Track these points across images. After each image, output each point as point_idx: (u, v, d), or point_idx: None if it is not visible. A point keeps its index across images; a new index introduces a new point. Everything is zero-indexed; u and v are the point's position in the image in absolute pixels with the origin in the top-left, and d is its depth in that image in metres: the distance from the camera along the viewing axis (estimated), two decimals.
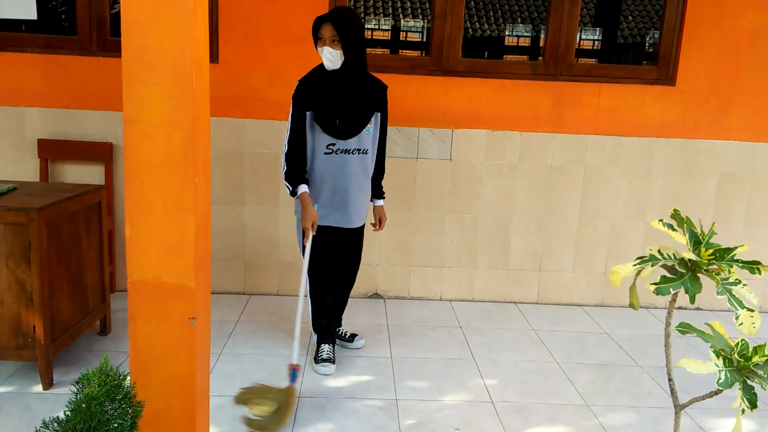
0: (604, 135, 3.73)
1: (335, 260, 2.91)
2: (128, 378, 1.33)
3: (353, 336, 3.16)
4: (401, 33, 12.37)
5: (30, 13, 3.46)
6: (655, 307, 3.93)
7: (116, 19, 3.70)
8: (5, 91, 3.49)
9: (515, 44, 12.03)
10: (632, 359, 3.18)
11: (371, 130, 2.74)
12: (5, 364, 2.73)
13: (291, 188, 2.69)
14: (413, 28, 12.23)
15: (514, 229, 3.81)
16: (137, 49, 1.52)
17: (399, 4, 12.59)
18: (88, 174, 3.58)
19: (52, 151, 3.49)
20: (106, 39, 3.49)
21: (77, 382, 1.24)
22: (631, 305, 1.25)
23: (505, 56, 11.76)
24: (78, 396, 1.21)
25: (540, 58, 3.78)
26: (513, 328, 3.51)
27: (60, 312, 2.60)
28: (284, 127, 3.58)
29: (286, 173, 2.69)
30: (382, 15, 12.14)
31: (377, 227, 2.98)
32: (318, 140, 2.67)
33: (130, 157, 1.57)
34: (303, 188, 2.66)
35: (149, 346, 1.67)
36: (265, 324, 3.39)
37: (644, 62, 12.20)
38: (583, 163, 3.76)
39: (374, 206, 2.96)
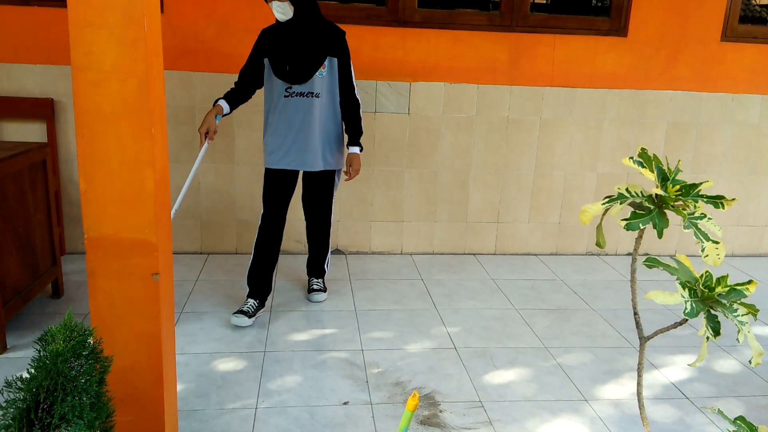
0: (558, 87, 3.77)
1: (284, 207, 2.93)
2: (93, 333, 1.29)
3: (313, 290, 3.18)
4: None
5: None
6: (606, 254, 4.08)
7: None
8: None
9: None
10: (586, 303, 3.32)
11: (325, 74, 2.77)
12: None
13: (218, 98, 2.82)
14: None
15: (472, 182, 3.85)
16: None
17: None
18: (29, 132, 3.39)
19: None
20: None
21: (40, 339, 1.20)
22: (598, 244, 1.29)
23: (456, 9, 11.62)
24: (42, 353, 1.17)
25: (494, 9, 3.76)
26: (473, 278, 3.59)
27: (9, 275, 2.49)
28: (233, 79, 3.49)
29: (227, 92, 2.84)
30: None
31: (348, 176, 2.96)
32: (276, 85, 2.76)
33: (80, 107, 1.48)
34: (222, 102, 2.79)
35: (111, 303, 1.62)
36: (225, 282, 3.36)
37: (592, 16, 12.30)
38: (539, 115, 3.80)
39: (348, 153, 2.95)
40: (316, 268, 3.21)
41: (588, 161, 3.92)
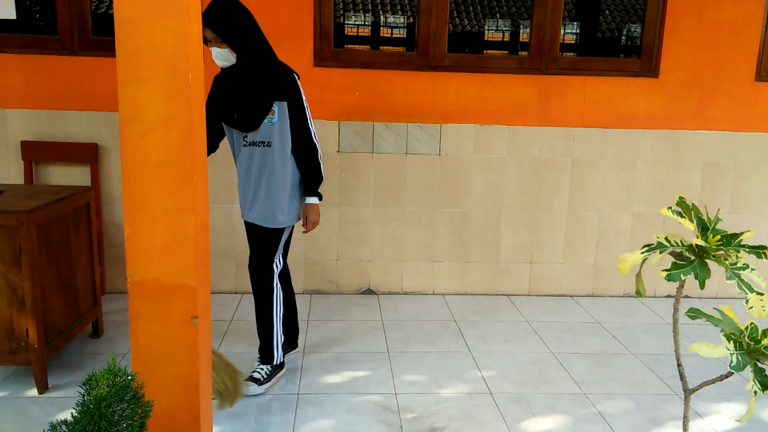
0: (590, 127, 3.77)
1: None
2: (135, 378, 1.31)
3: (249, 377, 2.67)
4: (382, 29, 12.35)
5: (8, 12, 3.38)
6: (645, 296, 3.98)
7: (98, 18, 3.66)
8: None
9: (495, 39, 12.09)
10: (625, 347, 3.23)
11: (275, 120, 2.51)
12: (1, 368, 2.69)
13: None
14: (395, 24, 12.22)
15: (504, 222, 3.84)
16: (131, 47, 1.50)
17: (378, 0, 12.58)
18: (74, 175, 3.53)
19: (36, 152, 3.43)
20: (88, 38, 3.43)
21: (84, 383, 1.22)
22: (638, 292, 1.27)
23: (485, 51, 11.82)
24: (86, 397, 1.20)
25: (520, 52, 3.81)
26: (507, 320, 3.54)
27: (52, 315, 2.56)
28: None
29: None
30: (362, 11, 12.11)
31: (305, 228, 2.68)
32: (234, 133, 2.60)
33: (127, 157, 1.55)
34: None
35: (151, 346, 1.65)
36: None
37: (621, 55, 12.35)
38: (571, 155, 3.79)
39: (305, 204, 2.67)
40: (261, 347, 2.74)
41: (622, 201, 3.87)
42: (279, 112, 2.52)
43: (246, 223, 2.70)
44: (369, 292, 3.87)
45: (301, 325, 3.35)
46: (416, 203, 3.78)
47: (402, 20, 12.16)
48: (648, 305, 3.86)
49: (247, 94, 2.49)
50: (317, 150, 2.63)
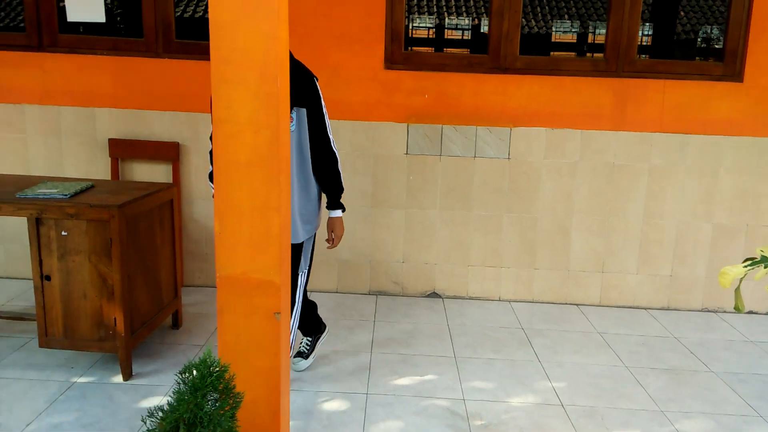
0: (669, 133, 3.62)
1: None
2: (228, 370, 1.36)
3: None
4: (446, 31, 12.31)
5: (98, 16, 3.59)
6: (724, 311, 3.79)
7: (181, 21, 3.82)
8: (77, 92, 3.63)
9: (563, 41, 11.81)
10: (704, 364, 3.08)
11: (293, 128, 2.34)
12: (85, 355, 2.84)
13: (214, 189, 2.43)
14: (459, 26, 12.15)
15: (574, 228, 3.74)
16: (225, 51, 1.56)
17: (443, 2, 12.54)
18: (155, 172, 3.70)
19: (122, 150, 3.62)
20: (171, 41, 3.58)
21: (181, 373, 1.28)
22: (736, 308, 1.21)
23: (551, 53, 11.58)
24: (182, 386, 1.25)
25: (589, 54, 3.71)
26: (576, 330, 3.44)
27: (138, 306, 2.69)
28: (342, 125, 3.65)
29: (211, 172, 2.26)
30: (426, 13, 12.10)
31: (330, 243, 2.62)
32: None
33: (219, 156, 1.61)
34: None
35: (236, 339, 1.70)
36: (328, 320, 3.41)
37: (697, 58, 11.81)
38: (647, 161, 3.66)
39: (329, 217, 2.58)
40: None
41: (702, 211, 3.70)
42: (297, 119, 2.36)
43: None
44: (434, 295, 3.86)
45: (367, 324, 3.39)
46: (483, 207, 3.74)
47: (467, 22, 12.08)
48: (728, 321, 3.67)
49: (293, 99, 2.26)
50: (337, 158, 2.50)
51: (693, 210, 3.70)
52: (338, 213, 2.53)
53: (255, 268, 1.66)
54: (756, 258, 1.16)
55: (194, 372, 1.24)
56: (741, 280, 1.20)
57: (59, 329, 2.64)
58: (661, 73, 3.60)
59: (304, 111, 2.36)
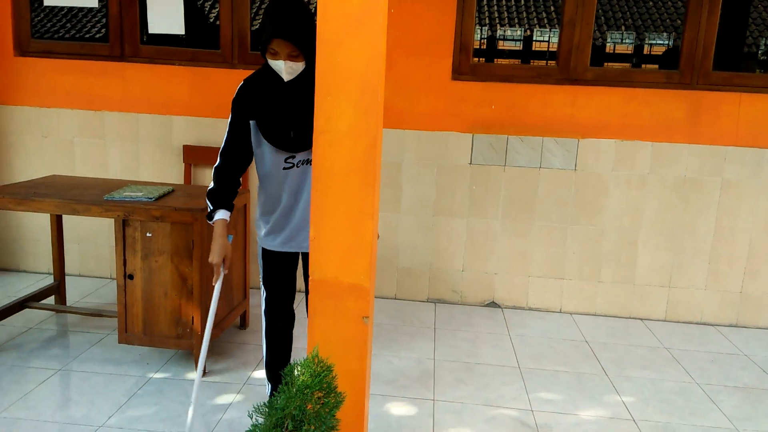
0: (744, 147, 3.53)
1: (291, 289, 2.39)
2: (333, 369, 1.41)
3: None
4: (498, 42, 12.27)
5: (178, 28, 3.75)
6: None
7: (255, 34, 3.94)
8: (155, 101, 3.80)
9: (619, 52, 11.61)
10: None
11: None
12: (160, 351, 2.96)
13: (211, 208, 2.25)
14: (511, 37, 12.10)
15: (642, 242, 3.68)
16: (330, 64, 1.62)
17: (496, 14, 12.51)
18: None
19: (195, 156, 3.76)
20: (246, 53, 3.71)
21: (288, 371, 1.33)
22: None
23: (605, 64, 11.38)
24: (290, 385, 1.30)
25: (644, 65, 3.64)
26: (643, 344, 3.38)
27: None
28: (407, 135, 3.70)
29: (211, 190, 2.25)
30: (478, 25, 12.09)
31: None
32: (270, 155, 2.17)
33: (317, 164, 1.67)
34: (223, 214, 2.23)
35: (325, 341, 1.75)
36: (388, 326, 3.47)
37: (757, 70, 11.39)
38: (720, 175, 3.57)
39: None
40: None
41: None
42: None
43: (277, 253, 2.29)
44: (493, 305, 3.86)
45: (427, 332, 3.41)
46: (547, 218, 3.72)
47: (519, 33, 12.02)
48: None
49: (307, 107, 2.00)
50: None
51: (766, 226, 3.59)
52: None
53: (347, 273, 1.71)
54: None
55: (299, 370, 1.29)
56: None
57: (139, 326, 2.76)
58: (737, 86, 3.51)
59: None
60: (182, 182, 3.79)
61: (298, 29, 2.00)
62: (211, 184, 2.26)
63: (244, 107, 2.16)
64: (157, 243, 2.66)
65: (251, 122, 2.16)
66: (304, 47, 2.02)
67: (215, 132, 3.78)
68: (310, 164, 2.13)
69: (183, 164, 3.79)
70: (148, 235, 2.66)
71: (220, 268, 2.23)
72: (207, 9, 9.11)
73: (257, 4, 7.50)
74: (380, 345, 3.21)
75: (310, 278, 1.73)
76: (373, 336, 3.29)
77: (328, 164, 1.67)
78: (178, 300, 2.68)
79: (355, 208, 1.68)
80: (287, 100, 2.12)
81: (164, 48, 3.80)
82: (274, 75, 2.12)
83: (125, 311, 2.76)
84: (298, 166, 2.18)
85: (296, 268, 2.38)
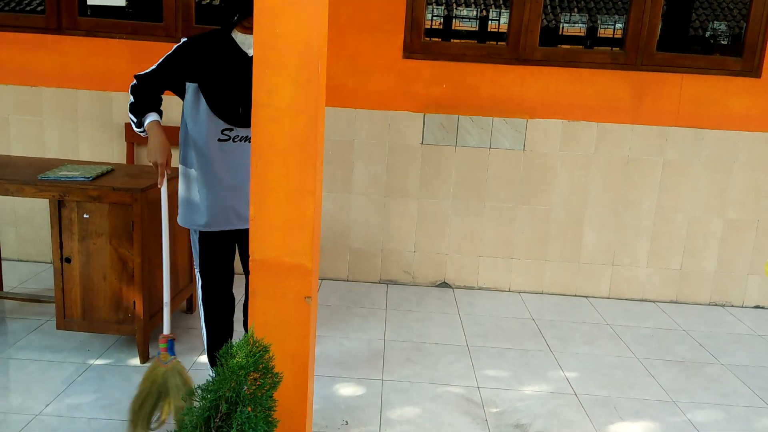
0: (685, 127, 3.64)
1: (230, 269, 2.36)
2: (269, 349, 1.38)
3: None
4: (453, 22, 12.26)
5: None
6: (732, 305, 3.83)
7: (200, 7, 3.80)
8: (94, 76, 3.63)
9: (571, 34, 11.78)
10: (713, 357, 3.11)
11: None
12: (102, 337, 2.86)
13: (136, 119, 2.18)
14: (467, 16, 12.11)
15: (587, 221, 3.76)
16: (269, 36, 1.56)
17: None
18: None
19: (138, 134, 3.61)
20: (191, 26, 3.58)
21: (223, 353, 1.30)
22: None
23: (559, 46, 11.54)
24: (224, 366, 1.27)
25: (596, 47, 3.71)
26: (587, 321, 3.47)
27: (156, 289, 2.70)
28: (358, 114, 3.65)
29: (132, 104, 2.17)
30: (434, 4, 12.04)
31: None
32: (209, 122, 2.13)
33: (257, 140, 1.62)
34: (153, 116, 2.17)
35: (266, 322, 1.72)
36: (340, 308, 3.46)
37: (704, 52, 11.76)
38: (662, 155, 3.67)
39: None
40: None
41: (715, 206, 3.72)
42: None
43: (236, 233, 2.28)
44: (444, 285, 3.89)
45: (379, 313, 3.42)
46: (497, 198, 3.76)
47: (474, 13, 12.04)
48: (736, 315, 3.70)
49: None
50: None
51: (705, 205, 3.72)
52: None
53: (288, 252, 1.68)
54: None
55: (235, 350, 1.26)
56: None
57: (78, 311, 2.66)
58: (680, 67, 3.60)
59: None
60: (124, 162, 3.65)
61: None
62: (131, 99, 2.19)
63: (188, 63, 2.13)
64: (94, 224, 2.55)
65: (191, 83, 2.13)
66: None
67: None
68: (246, 141, 2.18)
69: (125, 143, 3.65)
70: (85, 216, 2.55)
71: (164, 169, 2.17)
72: None
73: None
74: (332, 327, 3.20)
75: (250, 258, 1.69)
76: (325, 318, 3.28)
77: (267, 139, 1.62)
78: (118, 284, 2.59)
79: (295, 186, 1.64)
80: (244, 74, 2.00)
81: (104, 20, 3.63)
82: (232, 47, 2.12)
83: (63, 296, 2.65)
84: (234, 141, 2.17)
85: (234, 250, 2.36)
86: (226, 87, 2.13)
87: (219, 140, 2.16)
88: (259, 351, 1.28)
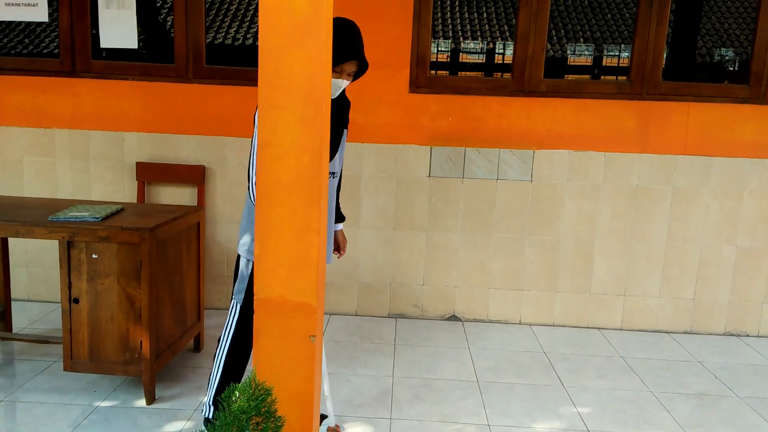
0: (693, 155, 3.62)
1: None
2: (271, 393, 1.36)
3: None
4: (461, 55, 12.43)
5: (131, 42, 3.67)
6: (747, 335, 3.75)
7: (211, 48, 3.90)
8: (107, 117, 3.70)
9: (578, 64, 11.90)
10: (730, 389, 3.04)
11: (341, 147, 2.33)
12: (110, 378, 2.85)
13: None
14: (474, 49, 12.28)
15: (597, 251, 3.73)
16: (272, 77, 1.59)
17: (459, 27, 12.68)
18: (180, 195, 3.74)
19: (149, 173, 3.67)
20: (201, 67, 3.65)
21: (226, 396, 1.28)
22: None
23: (566, 76, 11.65)
24: (226, 410, 1.25)
25: (603, 76, 3.73)
26: (599, 354, 3.41)
27: (163, 329, 2.70)
28: (366, 148, 3.68)
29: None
30: (442, 38, 12.24)
31: (341, 254, 2.59)
32: None
33: (262, 179, 1.63)
34: None
35: (271, 362, 1.70)
36: (348, 343, 3.42)
37: (712, 79, 11.80)
38: (671, 184, 3.65)
39: (336, 231, 2.54)
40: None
41: (726, 234, 3.67)
42: (343, 139, 2.34)
43: None
44: (454, 318, 3.85)
45: (387, 348, 3.38)
46: (505, 230, 3.74)
47: (481, 46, 12.21)
48: (752, 345, 3.62)
49: (335, 122, 2.09)
50: None
51: (716, 233, 3.68)
52: (342, 225, 2.56)
53: (293, 291, 1.67)
54: None
55: (237, 394, 1.25)
56: None
57: (85, 352, 2.65)
58: (686, 96, 3.61)
59: (345, 132, 2.36)
60: (135, 201, 3.69)
61: (363, 53, 2.19)
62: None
63: None
64: (103, 264, 2.57)
65: None
66: (361, 72, 2.23)
67: (169, 148, 3.70)
68: (332, 178, 2.26)
69: (136, 182, 3.70)
70: (93, 256, 2.57)
71: None
72: (163, 22, 8.98)
73: (211, 17, 7.39)
74: (339, 363, 3.16)
75: (255, 297, 1.69)
76: (332, 354, 3.25)
77: (273, 178, 1.63)
78: (125, 324, 2.59)
79: (300, 224, 1.65)
80: (333, 115, 2.13)
81: (116, 63, 3.72)
82: None
83: (70, 337, 2.65)
84: None
85: None
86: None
87: None
88: (262, 394, 1.26)
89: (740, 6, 12.61)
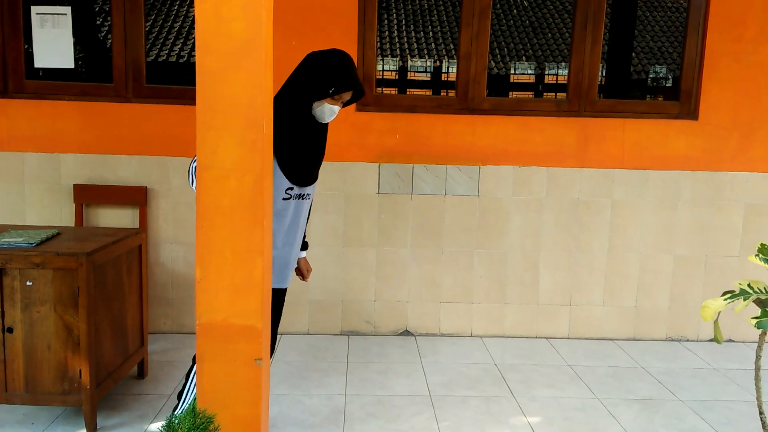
0: (629, 169, 3.78)
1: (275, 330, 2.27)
2: (214, 421, 1.33)
3: None
4: (409, 73, 12.61)
5: (67, 61, 3.56)
6: (687, 340, 3.90)
7: (151, 66, 3.82)
8: (42, 138, 3.56)
9: (521, 81, 12.26)
10: (672, 393, 3.15)
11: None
12: (48, 409, 2.72)
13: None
14: (421, 68, 12.48)
15: (542, 263, 3.82)
16: (211, 99, 1.57)
17: (407, 46, 12.87)
18: (121, 217, 3.63)
19: (87, 195, 3.54)
20: (142, 86, 3.57)
21: (167, 425, 1.24)
22: (716, 339, 1.27)
23: (510, 93, 11.99)
24: None
25: (545, 93, 3.86)
26: (548, 363, 3.48)
27: (104, 356, 2.60)
28: (347, 167, 3.65)
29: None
30: (390, 56, 12.39)
31: (307, 278, 2.62)
32: (279, 187, 2.15)
33: (202, 202, 1.61)
34: None
35: (215, 387, 1.67)
36: (299, 363, 3.38)
37: (647, 96, 12.37)
38: (610, 196, 3.79)
39: (299, 258, 2.55)
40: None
41: (664, 243, 3.83)
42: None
43: (279, 292, 2.30)
44: (406, 333, 3.86)
45: (340, 366, 3.35)
46: (454, 244, 3.79)
47: (429, 64, 12.43)
48: (692, 350, 3.77)
49: (321, 148, 2.33)
50: None
51: (654, 242, 3.83)
52: (305, 252, 2.60)
53: (236, 314, 1.65)
54: (735, 291, 1.22)
55: (177, 423, 1.21)
56: (719, 312, 1.26)
57: (20, 383, 2.52)
58: (621, 112, 3.77)
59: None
60: (73, 224, 3.55)
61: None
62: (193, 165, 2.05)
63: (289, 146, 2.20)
64: (38, 292, 2.45)
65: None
66: (355, 100, 2.34)
67: (108, 169, 3.59)
68: (306, 198, 2.31)
69: (74, 204, 3.56)
70: (28, 283, 2.46)
71: None
72: (104, 41, 8.76)
73: (154, 34, 7.27)
74: (290, 384, 3.12)
75: (197, 322, 1.65)
76: (284, 375, 3.20)
77: (212, 200, 1.61)
78: (63, 352, 2.48)
79: (242, 247, 1.63)
80: (319, 139, 2.31)
81: (51, 83, 3.60)
82: (304, 116, 2.21)
83: (5, 368, 2.51)
84: (292, 199, 2.25)
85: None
86: (305, 154, 2.25)
87: (284, 199, 2.21)
88: (203, 423, 1.23)
89: (672, 25, 13.31)
